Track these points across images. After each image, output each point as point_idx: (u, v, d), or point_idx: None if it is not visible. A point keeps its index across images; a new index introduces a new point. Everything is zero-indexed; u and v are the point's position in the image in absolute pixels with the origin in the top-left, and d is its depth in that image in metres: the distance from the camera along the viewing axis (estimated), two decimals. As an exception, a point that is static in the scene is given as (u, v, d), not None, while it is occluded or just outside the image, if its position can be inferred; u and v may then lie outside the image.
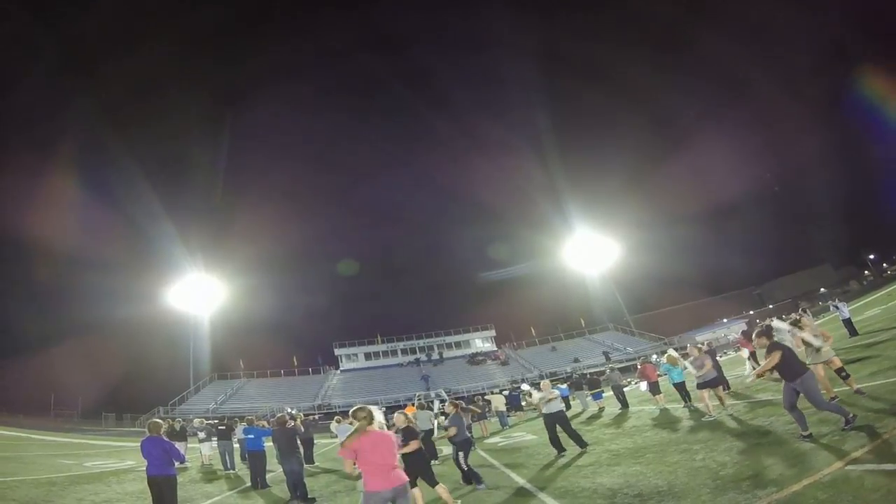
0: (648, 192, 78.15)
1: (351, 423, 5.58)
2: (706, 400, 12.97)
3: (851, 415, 7.40)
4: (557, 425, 12.38)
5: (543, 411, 12.60)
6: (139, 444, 8.83)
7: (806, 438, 7.51)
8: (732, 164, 72.10)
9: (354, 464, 5.09)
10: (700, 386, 13.39)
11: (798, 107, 67.76)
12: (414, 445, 8.35)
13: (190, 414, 39.04)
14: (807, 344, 10.41)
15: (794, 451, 7.18)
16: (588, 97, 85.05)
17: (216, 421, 20.53)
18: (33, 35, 63.39)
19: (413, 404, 26.25)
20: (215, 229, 76.10)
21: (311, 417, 26.59)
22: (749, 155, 70.65)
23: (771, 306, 65.10)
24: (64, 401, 55.95)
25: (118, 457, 19.78)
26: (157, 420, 9.64)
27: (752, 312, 65.44)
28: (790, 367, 7.70)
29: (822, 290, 64.67)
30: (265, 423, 16.65)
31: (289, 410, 20.74)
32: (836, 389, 9.96)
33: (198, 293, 62.98)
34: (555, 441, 12.31)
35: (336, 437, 17.47)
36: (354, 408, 5.56)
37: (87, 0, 69.03)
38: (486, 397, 30.74)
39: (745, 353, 19.29)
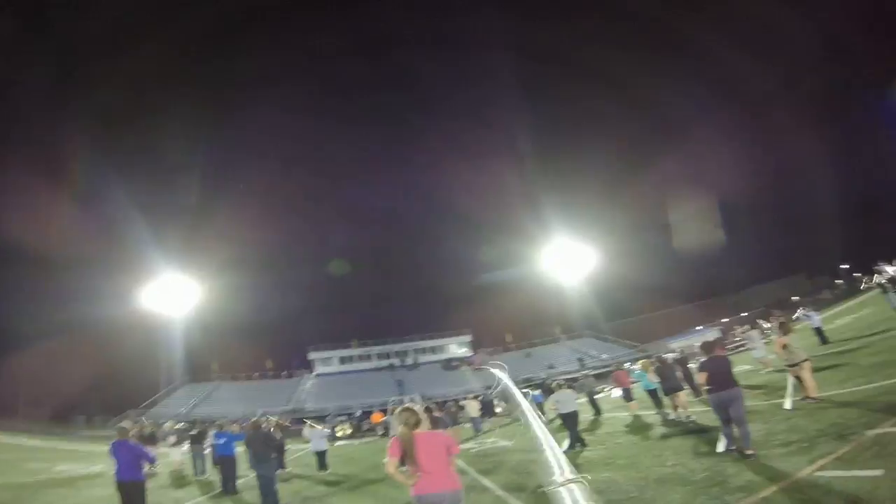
0: (626, 200, 78.47)
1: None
2: (675, 404, 13.71)
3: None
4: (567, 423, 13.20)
5: (559, 411, 13.51)
6: (109, 448, 8.67)
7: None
8: (710, 173, 72.91)
9: (403, 468, 4.84)
10: (665, 392, 14.33)
11: (776, 116, 68.56)
12: None
13: (161, 418, 38.55)
14: (786, 348, 10.65)
15: (763, 457, 7.22)
16: (568, 103, 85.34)
17: (185, 425, 20.34)
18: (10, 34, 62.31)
19: (382, 411, 26.27)
20: (191, 229, 74.91)
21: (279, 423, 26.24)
22: (727, 164, 71.29)
23: (744, 314, 65.66)
24: (33, 403, 54.96)
25: (88, 461, 19.46)
26: (124, 424, 9.49)
27: (725, 320, 65.99)
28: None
29: (794, 298, 65.40)
30: (236, 427, 16.46)
31: (270, 419, 20.54)
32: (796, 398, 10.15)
33: (172, 294, 61.87)
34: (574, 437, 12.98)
35: (308, 441, 17.24)
36: (400, 408, 5.24)
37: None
38: (459, 402, 30.69)
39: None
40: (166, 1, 76.98)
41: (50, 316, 62.43)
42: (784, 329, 11.36)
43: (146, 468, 8.77)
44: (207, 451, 16.25)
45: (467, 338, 73.33)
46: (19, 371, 54.61)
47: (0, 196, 63.93)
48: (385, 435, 26.54)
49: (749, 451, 7.44)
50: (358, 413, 45.46)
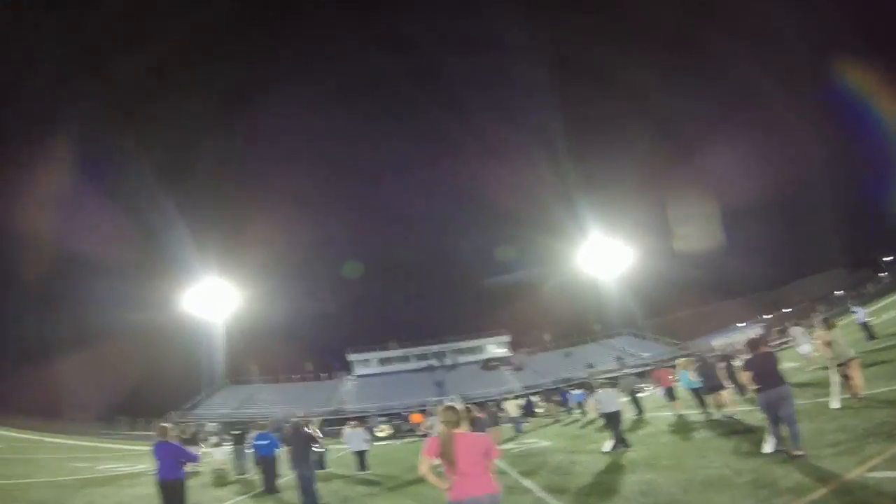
0: (663, 196, 77.47)
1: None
2: (718, 403, 13.76)
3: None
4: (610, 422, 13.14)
5: (602, 411, 13.60)
6: (151, 448, 8.84)
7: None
8: (747, 167, 71.51)
9: (438, 469, 4.71)
10: (707, 391, 14.49)
11: (812, 108, 66.98)
12: None
13: (203, 419, 39.20)
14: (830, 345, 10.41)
15: (811, 458, 7.04)
16: (600, 100, 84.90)
17: (217, 426, 20.74)
18: (44, 35, 63.97)
19: (422, 412, 26.24)
20: (229, 234, 76.52)
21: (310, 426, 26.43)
22: (764, 157, 70.05)
23: (787, 310, 64.40)
24: (79, 405, 56.34)
25: (131, 460, 19.88)
26: (165, 424, 9.64)
27: (768, 317, 64.84)
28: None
29: (836, 293, 63.84)
30: (270, 425, 16.70)
31: (311, 419, 20.74)
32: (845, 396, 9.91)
33: (212, 298, 63.18)
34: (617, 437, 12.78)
35: (347, 444, 17.36)
36: (442, 407, 5.08)
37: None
38: (499, 404, 30.64)
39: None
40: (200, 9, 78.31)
41: (94, 321, 64.06)
42: (828, 325, 11.06)
43: (188, 467, 8.90)
44: (249, 451, 16.51)
45: (505, 338, 73.14)
46: (65, 374, 56.11)
47: (46, 205, 65.54)
48: (426, 436, 26.57)
49: (798, 452, 7.22)
50: (398, 414, 45.75)
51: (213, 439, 20.00)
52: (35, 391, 53.03)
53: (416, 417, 36.71)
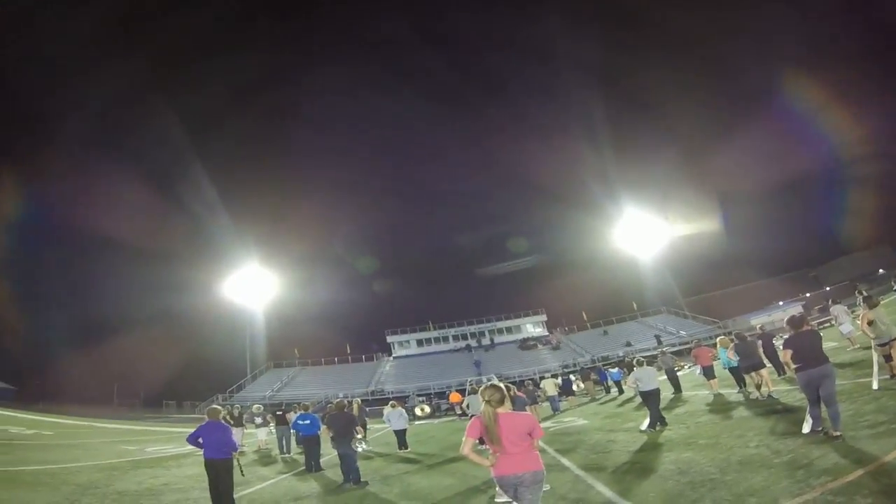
0: (701, 172, 76.13)
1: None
2: (756, 381, 13.69)
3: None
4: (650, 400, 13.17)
5: (640, 389, 13.56)
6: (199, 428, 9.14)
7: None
8: (788, 143, 69.83)
9: (482, 446, 4.80)
10: (745, 370, 14.27)
11: (856, 82, 64.86)
12: None
13: (247, 401, 40.04)
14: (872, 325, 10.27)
15: (850, 439, 7.03)
16: (640, 76, 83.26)
17: (259, 408, 21.30)
18: (96, 21, 65.01)
19: (460, 391, 26.38)
20: (269, 221, 77.48)
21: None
22: (804, 133, 68.14)
23: (828, 288, 63.06)
24: (127, 390, 58.04)
25: (178, 442, 20.41)
26: (217, 406, 9.98)
27: (808, 294, 63.61)
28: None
29: (881, 271, 62.27)
30: (311, 406, 17.08)
31: (355, 400, 21.11)
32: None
33: (253, 285, 64.55)
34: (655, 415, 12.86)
35: (387, 423, 17.67)
36: (484, 385, 5.11)
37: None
38: (537, 382, 30.69)
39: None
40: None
41: (140, 307, 65.70)
42: (870, 304, 10.84)
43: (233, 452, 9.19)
44: (292, 431, 16.93)
45: (542, 317, 73.06)
46: (112, 361, 57.65)
47: (93, 193, 67.06)
48: (464, 415, 26.83)
49: (836, 433, 7.18)
50: (438, 393, 46.24)
51: (258, 420, 20.47)
52: (83, 378, 54.83)
53: (454, 397, 36.97)
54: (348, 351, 67.22)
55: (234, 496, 9.21)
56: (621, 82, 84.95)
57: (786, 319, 8.82)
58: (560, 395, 26.79)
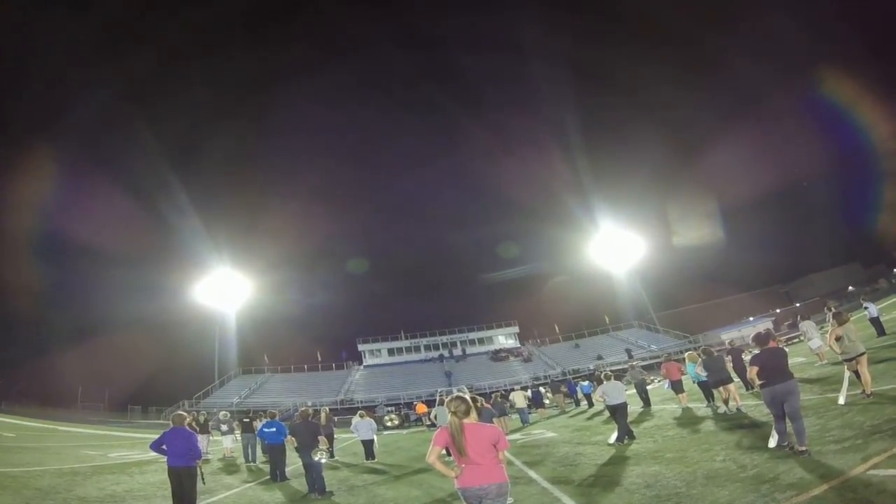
0: (675, 189, 77.20)
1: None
2: (724, 396, 13.69)
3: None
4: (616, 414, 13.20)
5: (607, 403, 13.57)
6: (163, 435, 8.93)
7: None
8: (760, 161, 71.08)
9: (446, 459, 4.74)
10: (713, 385, 14.32)
11: (826, 103, 66.27)
12: None
13: (215, 407, 39.51)
14: (839, 341, 10.33)
15: (815, 454, 7.04)
16: (614, 94, 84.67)
17: (226, 415, 20.96)
18: (56, 22, 64.29)
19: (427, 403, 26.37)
20: (242, 225, 76.86)
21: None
22: (776, 151, 69.55)
23: (798, 304, 64.06)
24: (91, 394, 56.94)
25: (142, 448, 20.02)
26: (182, 412, 9.76)
27: (778, 310, 64.49)
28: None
29: (850, 288, 63.48)
30: (277, 413, 16.86)
31: (322, 409, 20.88)
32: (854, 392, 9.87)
33: (224, 289, 63.72)
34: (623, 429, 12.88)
35: (355, 433, 17.51)
36: (451, 396, 5.08)
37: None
38: (506, 394, 30.67)
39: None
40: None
41: (108, 310, 64.68)
42: (840, 320, 10.92)
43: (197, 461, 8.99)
44: (258, 438, 16.67)
45: (515, 329, 73.21)
46: (77, 364, 56.63)
47: (59, 196, 65.97)
48: (433, 426, 26.70)
49: (802, 448, 7.19)
50: (406, 404, 45.99)
51: (223, 427, 20.14)
52: (47, 380, 53.83)
53: (421, 408, 36.86)
54: (319, 358, 66.74)
55: (197, 505, 8.97)
56: (596, 98, 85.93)
57: (751, 336, 8.85)
58: (530, 407, 26.77)
